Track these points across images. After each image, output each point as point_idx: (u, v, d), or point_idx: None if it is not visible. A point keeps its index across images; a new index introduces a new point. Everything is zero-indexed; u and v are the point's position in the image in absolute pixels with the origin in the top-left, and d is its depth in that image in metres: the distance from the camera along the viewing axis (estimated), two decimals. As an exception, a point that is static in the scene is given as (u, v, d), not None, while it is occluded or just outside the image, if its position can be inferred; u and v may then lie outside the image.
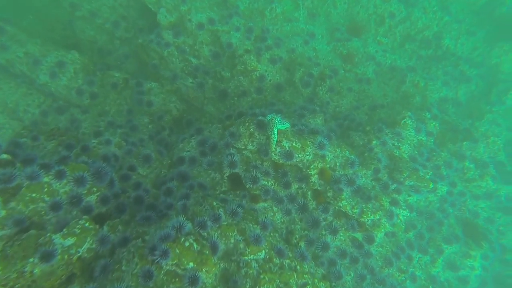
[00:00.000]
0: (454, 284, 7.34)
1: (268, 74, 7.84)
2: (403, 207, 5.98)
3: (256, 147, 5.72)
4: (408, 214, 6.06)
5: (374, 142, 6.38)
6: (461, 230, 7.21)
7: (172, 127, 7.46)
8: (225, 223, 4.48)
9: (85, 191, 4.19)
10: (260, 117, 5.72)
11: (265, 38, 8.04)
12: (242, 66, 7.56)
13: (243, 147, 5.75)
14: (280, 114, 5.77)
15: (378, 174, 6.14)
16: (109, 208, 4.48)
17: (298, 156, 5.55)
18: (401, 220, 5.97)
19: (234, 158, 5.51)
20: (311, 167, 5.58)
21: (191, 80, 7.86)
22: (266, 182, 5.55)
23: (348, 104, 7.90)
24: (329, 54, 8.85)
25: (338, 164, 5.77)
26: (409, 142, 6.72)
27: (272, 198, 5.52)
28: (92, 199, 4.28)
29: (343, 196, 5.49)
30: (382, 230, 5.66)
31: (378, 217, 5.62)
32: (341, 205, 5.50)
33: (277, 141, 5.48)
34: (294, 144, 5.51)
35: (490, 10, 9.53)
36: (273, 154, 5.58)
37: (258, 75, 7.65)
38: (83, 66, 7.68)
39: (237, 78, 7.71)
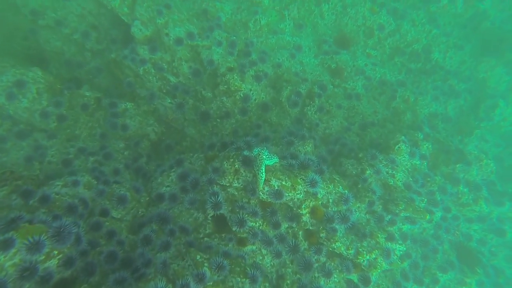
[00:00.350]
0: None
1: (253, 94, 7.31)
2: (399, 242, 5.63)
3: (242, 185, 5.22)
4: (404, 248, 5.72)
5: (368, 172, 5.99)
6: (456, 256, 6.99)
7: (150, 153, 6.83)
8: (210, 284, 3.96)
9: (43, 257, 3.57)
10: (245, 152, 5.20)
11: (249, 53, 7.49)
12: (225, 86, 7.00)
13: (228, 185, 5.23)
14: (266, 147, 5.29)
15: (373, 207, 5.77)
16: (75, 270, 3.87)
17: (288, 195, 5.09)
18: (397, 256, 5.62)
19: (219, 198, 4.97)
20: (303, 206, 5.13)
21: (169, 100, 7.22)
22: (254, 224, 5.06)
23: (338, 125, 7.48)
24: (317, 68, 8.39)
25: (331, 200, 5.35)
26: (403, 168, 6.38)
27: (260, 240, 5.03)
28: (52, 263, 3.66)
29: (337, 237, 5.08)
30: (379, 269, 5.29)
31: (374, 256, 5.24)
32: (335, 246, 5.09)
33: (265, 179, 4.99)
34: (283, 183, 5.04)
35: (475, 24, 9.33)
36: (261, 193, 5.09)
37: (242, 95, 7.11)
38: (48, 85, 6.90)
39: (220, 98, 7.15)
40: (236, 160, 5.15)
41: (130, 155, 6.67)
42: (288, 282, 4.91)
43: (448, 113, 8.64)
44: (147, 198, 5.54)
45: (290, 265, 5.13)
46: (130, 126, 6.88)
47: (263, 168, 4.96)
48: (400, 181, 6.22)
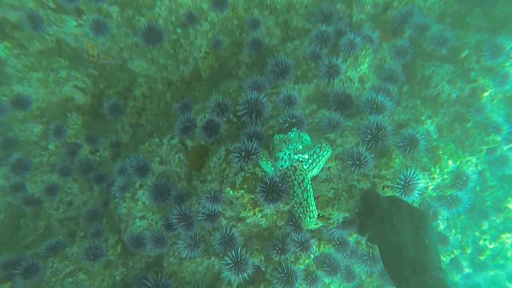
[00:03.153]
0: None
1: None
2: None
3: (271, 211, 2.80)
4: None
5: (486, 93, 3.19)
6: None
7: (91, 135, 3.98)
8: None
9: None
10: (264, 164, 2.48)
11: None
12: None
13: (244, 216, 2.81)
14: (298, 132, 2.55)
15: (494, 154, 3.34)
16: None
17: (365, 217, 2.70)
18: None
19: (239, 252, 2.70)
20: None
21: (74, 22, 3.67)
22: (308, 260, 2.97)
23: (400, -21, 3.89)
24: None
25: (432, 186, 2.92)
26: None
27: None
28: None
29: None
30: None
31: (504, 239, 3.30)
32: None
33: (317, 214, 2.51)
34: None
35: None
36: (311, 226, 2.73)
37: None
38: None
39: (167, -8, 3.52)
40: (246, 191, 2.52)
41: (61, 148, 3.91)
42: None
43: None
44: (120, 245, 3.29)
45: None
46: (30, 96, 3.77)
47: (312, 196, 2.41)
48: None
